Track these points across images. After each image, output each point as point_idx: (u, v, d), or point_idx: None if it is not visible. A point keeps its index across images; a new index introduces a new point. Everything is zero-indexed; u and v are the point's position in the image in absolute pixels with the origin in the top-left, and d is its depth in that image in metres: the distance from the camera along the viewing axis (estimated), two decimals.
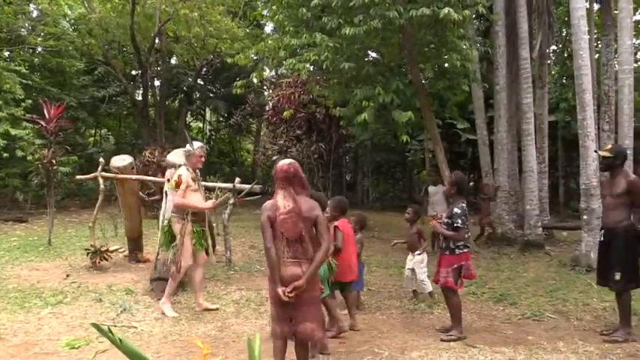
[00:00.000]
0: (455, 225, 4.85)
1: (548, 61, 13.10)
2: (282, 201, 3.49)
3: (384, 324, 5.38)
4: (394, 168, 21.56)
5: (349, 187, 21.98)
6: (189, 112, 22.96)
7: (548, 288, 6.76)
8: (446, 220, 5.00)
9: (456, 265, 4.93)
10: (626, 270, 4.77)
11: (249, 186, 8.25)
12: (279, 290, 3.45)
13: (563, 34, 15.79)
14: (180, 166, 7.51)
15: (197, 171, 6.01)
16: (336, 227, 4.98)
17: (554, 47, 15.52)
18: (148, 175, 10.57)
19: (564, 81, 16.56)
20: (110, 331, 2.23)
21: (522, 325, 5.34)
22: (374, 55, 9.52)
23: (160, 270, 6.49)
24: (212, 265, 8.18)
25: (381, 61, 8.71)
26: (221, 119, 24.98)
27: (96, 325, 2.22)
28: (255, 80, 10.16)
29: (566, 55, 16.44)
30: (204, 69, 20.87)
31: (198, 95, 22.25)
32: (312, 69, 8.79)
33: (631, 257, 4.83)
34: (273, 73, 22.06)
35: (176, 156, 7.68)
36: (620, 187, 4.81)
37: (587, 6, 8.57)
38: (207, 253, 6.06)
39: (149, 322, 5.38)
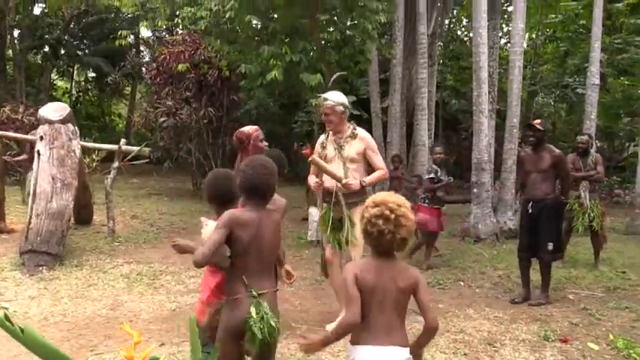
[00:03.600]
0: None
1: (440, 42, 13.54)
2: None
3: (294, 296, 5.10)
4: (279, 139, 21.30)
5: (233, 158, 21.35)
6: (56, 69, 20.51)
7: (444, 257, 6.95)
8: None
9: None
10: (556, 240, 4.97)
11: (138, 148, 7.44)
12: None
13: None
14: (56, 122, 6.59)
15: (344, 135, 4.22)
16: None
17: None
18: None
19: (447, 62, 17.36)
20: (8, 320, 1.68)
21: (430, 294, 5.37)
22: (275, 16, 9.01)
23: (33, 241, 5.57)
24: (91, 235, 7.36)
25: (285, 22, 8.23)
26: (90, 79, 22.72)
27: None
28: (144, 29, 9.16)
29: (449, 38, 17.20)
30: (75, 21, 18.69)
31: (65, 51, 19.92)
32: (208, 24, 8.06)
33: (559, 228, 5.09)
34: (150, 33, 20.41)
35: (50, 111, 6.67)
36: (546, 162, 4.96)
37: None
38: (340, 247, 4.13)
39: (23, 301, 4.57)
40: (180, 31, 13.12)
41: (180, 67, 9.58)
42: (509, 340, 4.00)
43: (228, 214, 2.42)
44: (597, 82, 9.53)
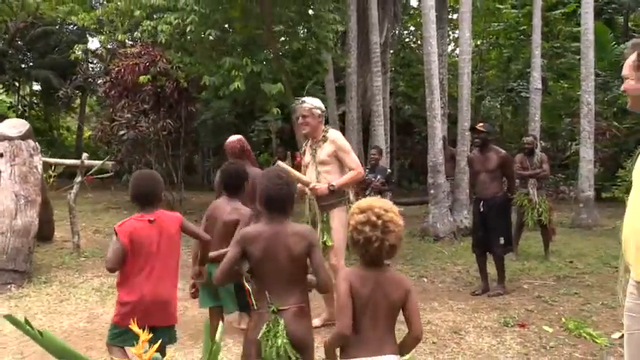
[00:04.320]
0: None
1: (391, 50, 14.00)
2: None
3: None
4: None
5: (189, 168, 21.25)
6: (1, 83, 19.83)
7: (407, 257, 7.25)
8: None
9: None
10: (506, 235, 5.34)
11: (101, 162, 7.42)
12: None
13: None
14: (15, 138, 6.50)
15: (318, 140, 4.27)
16: None
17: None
18: None
19: (399, 69, 17.92)
20: (28, 324, 1.81)
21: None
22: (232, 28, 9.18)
23: None
24: (55, 251, 7.28)
25: (242, 34, 8.41)
26: (36, 92, 22.06)
27: (10, 317, 1.79)
28: (96, 41, 9.12)
29: (400, 46, 17.76)
30: (21, 34, 18.15)
31: (11, 64, 19.29)
32: (168, 38, 8.13)
33: (508, 223, 5.46)
34: (99, 45, 20.01)
35: (8, 127, 6.58)
36: (493, 162, 5.30)
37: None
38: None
39: None
40: (130, 43, 13.02)
41: (141, 78, 9.53)
42: (473, 328, 4.32)
43: (240, 231, 2.54)
44: (539, 86, 10.17)
